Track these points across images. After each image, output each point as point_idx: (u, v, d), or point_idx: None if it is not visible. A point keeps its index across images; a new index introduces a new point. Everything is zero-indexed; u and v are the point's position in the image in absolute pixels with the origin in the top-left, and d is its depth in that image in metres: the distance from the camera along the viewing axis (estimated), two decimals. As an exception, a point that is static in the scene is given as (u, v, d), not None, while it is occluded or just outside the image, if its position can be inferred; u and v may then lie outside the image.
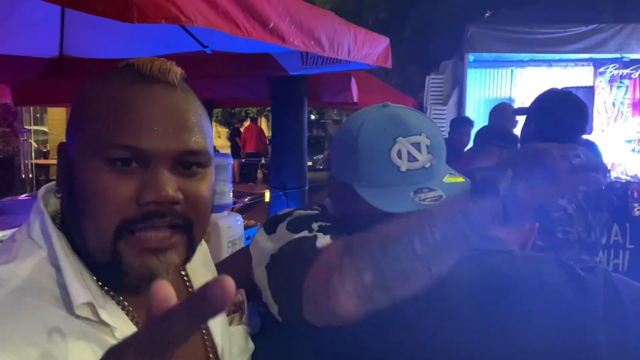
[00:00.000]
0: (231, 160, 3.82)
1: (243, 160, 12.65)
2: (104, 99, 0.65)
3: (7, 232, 3.15)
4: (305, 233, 0.85)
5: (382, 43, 3.15)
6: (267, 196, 4.53)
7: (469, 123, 4.91)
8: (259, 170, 12.94)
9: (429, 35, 10.03)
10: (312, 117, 20.36)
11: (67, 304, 0.62)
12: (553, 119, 1.76)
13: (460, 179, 0.92)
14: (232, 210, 3.90)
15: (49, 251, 0.65)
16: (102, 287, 0.67)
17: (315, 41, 2.23)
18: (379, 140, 0.90)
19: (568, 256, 1.60)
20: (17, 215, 3.41)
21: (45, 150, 12.65)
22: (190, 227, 0.66)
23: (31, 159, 8.84)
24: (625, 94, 6.71)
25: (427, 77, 7.47)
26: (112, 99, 0.64)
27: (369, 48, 2.91)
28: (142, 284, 0.66)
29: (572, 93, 1.90)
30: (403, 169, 0.88)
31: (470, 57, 6.68)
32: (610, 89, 6.73)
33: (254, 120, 14.80)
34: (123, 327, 0.65)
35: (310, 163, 16.48)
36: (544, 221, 1.62)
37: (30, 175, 8.66)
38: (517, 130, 4.44)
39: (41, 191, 0.72)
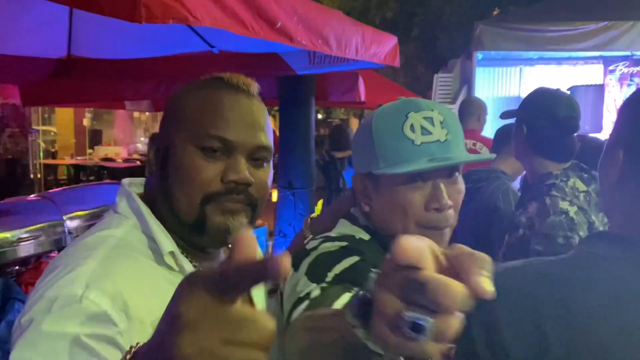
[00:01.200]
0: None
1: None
2: (200, 100, 0.85)
3: (17, 232, 3.15)
4: (312, 289, 0.83)
5: (390, 42, 3.13)
6: (274, 195, 4.52)
7: None
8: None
9: (437, 33, 9.98)
10: (319, 116, 20.34)
11: (155, 257, 0.84)
12: (545, 118, 1.70)
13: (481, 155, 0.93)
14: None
15: (138, 219, 0.86)
16: (180, 248, 0.86)
17: (323, 40, 2.21)
18: (392, 118, 0.92)
19: None
20: (26, 215, 3.41)
21: (53, 150, 12.70)
22: (255, 206, 0.86)
23: (40, 159, 8.88)
24: (636, 92, 6.64)
25: (435, 75, 7.41)
26: (208, 100, 0.85)
27: (377, 47, 2.89)
28: (214, 248, 0.89)
29: (560, 90, 1.83)
30: (417, 142, 0.88)
31: (479, 55, 6.62)
32: (621, 87, 6.65)
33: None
34: None
35: (317, 162, 16.48)
36: (544, 226, 1.56)
37: (39, 176, 8.70)
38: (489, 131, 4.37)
39: (125, 180, 0.93)
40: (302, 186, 4.24)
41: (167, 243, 0.84)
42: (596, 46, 5.77)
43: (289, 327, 0.75)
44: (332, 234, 0.97)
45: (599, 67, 6.73)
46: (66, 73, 3.80)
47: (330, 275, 0.84)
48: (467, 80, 6.87)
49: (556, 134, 1.69)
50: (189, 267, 0.86)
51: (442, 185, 0.90)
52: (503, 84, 7.36)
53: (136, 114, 17.41)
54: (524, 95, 6.90)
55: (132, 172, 9.17)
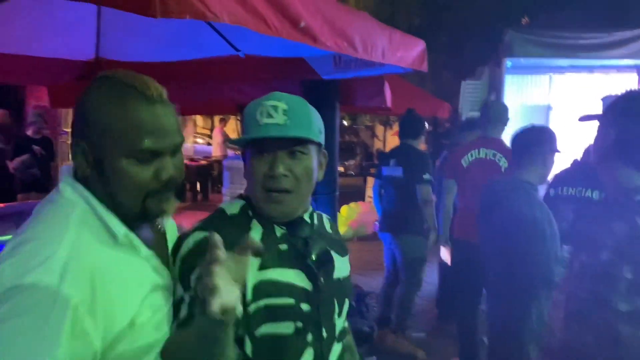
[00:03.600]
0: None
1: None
2: (125, 115, 0.97)
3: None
4: (184, 297, 1.10)
5: (417, 46, 3.07)
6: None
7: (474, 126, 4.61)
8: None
9: (465, 40, 9.85)
10: (345, 122, 20.30)
11: (110, 239, 1.00)
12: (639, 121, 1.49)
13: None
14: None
15: (88, 205, 1.00)
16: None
17: (348, 42, 2.15)
18: (254, 106, 1.18)
19: None
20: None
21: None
22: (177, 186, 1.07)
23: (68, 160, 9.03)
24: (672, 101, 6.41)
25: (463, 82, 7.31)
26: (132, 116, 0.97)
27: (404, 50, 2.82)
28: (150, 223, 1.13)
29: None
30: (261, 123, 1.14)
31: (508, 62, 6.50)
32: (656, 96, 6.45)
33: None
34: (143, 248, 1.05)
35: (342, 169, 16.45)
36: (637, 251, 1.38)
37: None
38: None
39: (67, 168, 1.05)
40: (324, 192, 4.18)
41: (119, 226, 1.01)
42: (630, 54, 5.60)
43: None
44: (209, 217, 1.22)
45: (633, 76, 6.52)
46: (94, 75, 3.81)
47: (193, 279, 1.06)
48: (495, 88, 6.76)
49: None
50: (137, 243, 1.04)
51: (279, 157, 1.15)
52: (532, 92, 7.20)
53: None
54: (553, 103, 6.71)
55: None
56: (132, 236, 1.03)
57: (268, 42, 3.40)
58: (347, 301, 1.26)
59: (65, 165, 1.06)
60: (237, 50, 3.69)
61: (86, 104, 1.00)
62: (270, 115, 1.14)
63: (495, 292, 2.40)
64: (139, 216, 1.03)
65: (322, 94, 4.08)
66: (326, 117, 4.66)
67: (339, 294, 1.22)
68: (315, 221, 1.28)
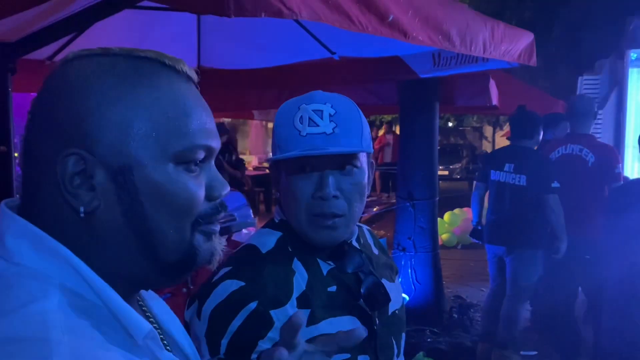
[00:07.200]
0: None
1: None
2: (161, 96, 0.59)
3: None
4: None
5: (525, 38, 2.82)
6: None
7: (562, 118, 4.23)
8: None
9: (582, 32, 9.10)
10: (450, 124, 19.71)
11: (117, 339, 0.56)
12: None
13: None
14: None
15: (72, 279, 0.55)
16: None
17: (444, 36, 1.99)
18: (288, 110, 0.98)
19: None
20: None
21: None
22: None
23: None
24: None
25: (580, 78, 6.75)
26: (172, 96, 0.60)
27: (509, 44, 2.59)
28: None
29: None
30: (303, 133, 0.94)
31: (632, 54, 5.90)
32: None
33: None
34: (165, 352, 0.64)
35: (446, 172, 15.89)
36: None
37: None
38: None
39: (8, 204, 0.59)
40: (423, 197, 4.01)
41: (140, 320, 0.58)
42: None
43: None
44: (240, 256, 1.01)
45: None
46: (197, 84, 3.98)
47: (224, 344, 0.90)
48: (617, 83, 6.18)
49: None
50: (160, 343, 0.62)
51: (330, 176, 0.95)
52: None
53: (270, 125, 18.21)
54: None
55: (261, 180, 9.67)
56: (156, 333, 0.61)
57: (362, 42, 3.32)
58: (404, 336, 1.09)
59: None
60: (332, 52, 3.65)
61: (79, 91, 0.57)
62: (314, 123, 0.94)
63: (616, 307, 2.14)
64: (180, 266, 0.63)
65: (420, 94, 3.92)
66: (425, 118, 4.51)
67: (396, 331, 1.06)
68: (362, 241, 1.09)
